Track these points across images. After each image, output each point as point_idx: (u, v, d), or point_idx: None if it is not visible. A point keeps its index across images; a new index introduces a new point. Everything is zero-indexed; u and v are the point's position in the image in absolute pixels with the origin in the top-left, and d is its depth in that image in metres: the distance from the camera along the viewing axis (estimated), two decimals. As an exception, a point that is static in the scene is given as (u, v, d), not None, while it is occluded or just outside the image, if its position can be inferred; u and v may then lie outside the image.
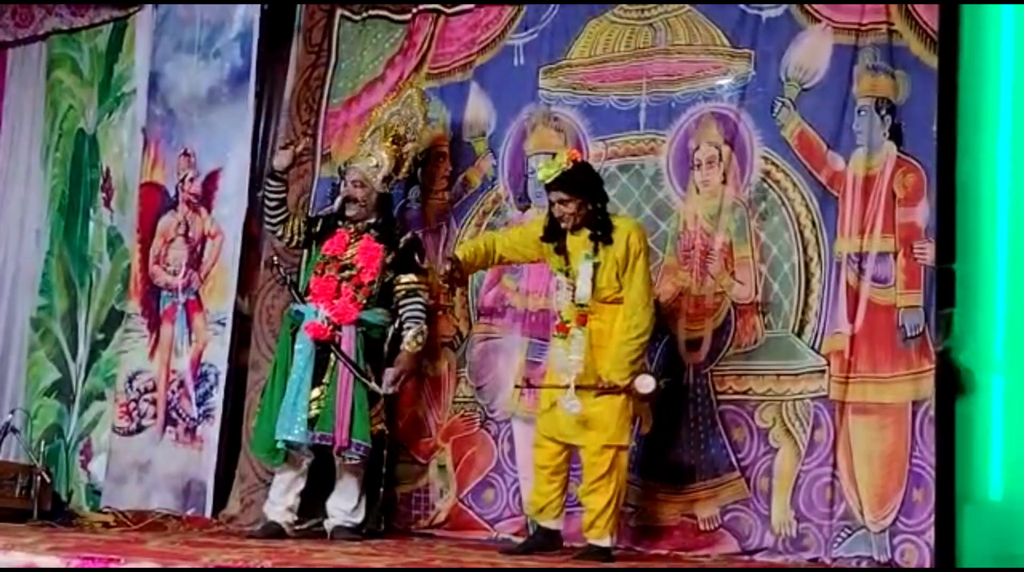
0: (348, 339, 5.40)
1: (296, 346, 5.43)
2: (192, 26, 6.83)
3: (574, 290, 4.85)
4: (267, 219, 5.75)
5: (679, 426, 5.31)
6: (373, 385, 5.37)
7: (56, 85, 7.45)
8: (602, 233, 4.84)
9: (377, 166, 5.66)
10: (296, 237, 5.70)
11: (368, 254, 5.52)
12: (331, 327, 5.39)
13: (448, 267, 5.05)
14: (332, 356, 5.37)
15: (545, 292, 5.64)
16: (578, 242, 4.91)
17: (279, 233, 5.72)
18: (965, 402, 4.48)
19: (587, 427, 4.81)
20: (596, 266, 4.83)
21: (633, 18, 5.74)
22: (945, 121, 4.78)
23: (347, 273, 5.49)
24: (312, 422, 5.31)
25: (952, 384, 4.35)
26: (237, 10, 6.66)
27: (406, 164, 5.80)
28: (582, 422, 4.80)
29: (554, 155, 4.97)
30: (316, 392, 5.36)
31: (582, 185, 4.86)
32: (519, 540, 5.29)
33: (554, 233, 4.97)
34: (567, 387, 4.76)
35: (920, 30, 5.04)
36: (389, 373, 5.43)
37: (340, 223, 5.62)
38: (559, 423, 4.89)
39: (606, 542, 4.80)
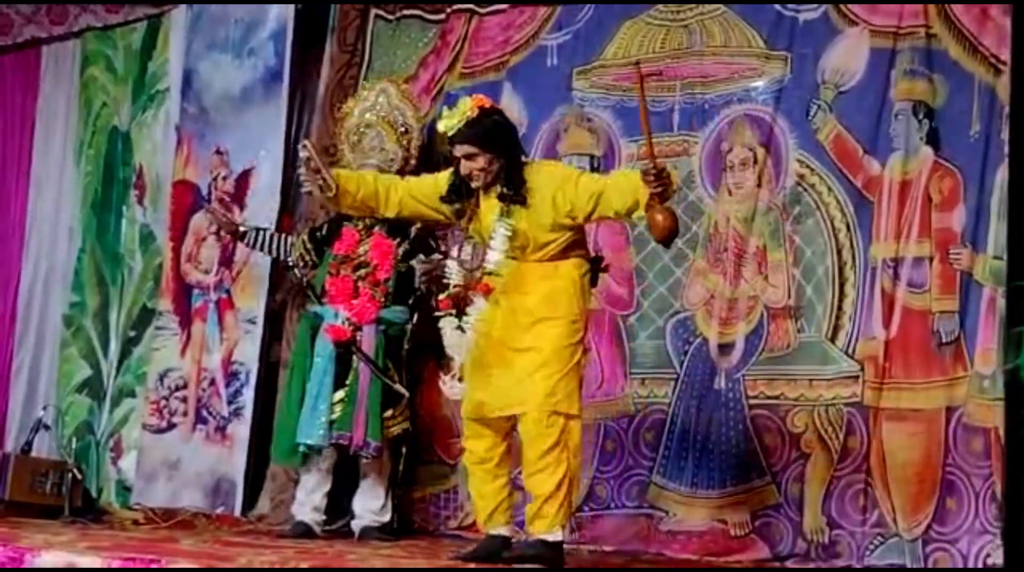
0: (368, 339, 5.38)
1: (316, 349, 5.41)
2: (226, 25, 6.83)
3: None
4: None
5: (710, 430, 5.28)
6: (398, 386, 5.35)
7: (90, 82, 7.47)
8: (514, 191, 4.11)
9: (392, 159, 5.67)
10: (309, 257, 5.68)
11: (381, 250, 5.48)
12: (351, 328, 5.38)
13: (304, 154, 4.18)
14: (354, 358, 5.35)
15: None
16: (490, 204, 4.19)
17: (294, 265, 5.76)
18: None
19: (520, 388, 4.04)
20: (514, 231, 4.11)
21: (668, 19, 5.71)
22: (1018, 136, 4.70)
23: (362, 271, 5.46)
24: (332, 424, 5.30)
25: (1021, 403, 4.28)
26: (271, 9, 6.66)
27: (413, 157, 5.77)
28: (510, 385, 4.07)
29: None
30: (339, 394, 5.34)
31: (491, 135, 4.11)
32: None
33: (459, 193, 4.23)
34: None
35: (959, 33, 5.00)
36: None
37: (347, 221, 5.53)
38: (484, 400, 4.16)
39: (557, 535, 4.03)
